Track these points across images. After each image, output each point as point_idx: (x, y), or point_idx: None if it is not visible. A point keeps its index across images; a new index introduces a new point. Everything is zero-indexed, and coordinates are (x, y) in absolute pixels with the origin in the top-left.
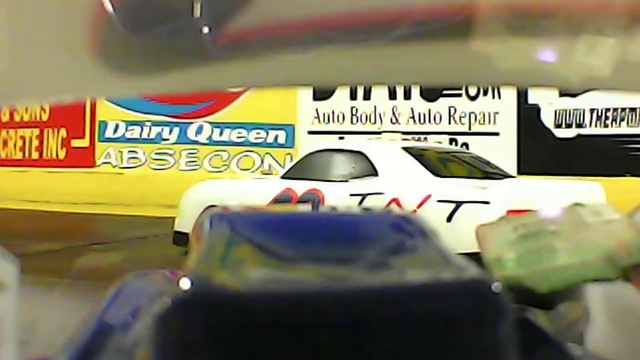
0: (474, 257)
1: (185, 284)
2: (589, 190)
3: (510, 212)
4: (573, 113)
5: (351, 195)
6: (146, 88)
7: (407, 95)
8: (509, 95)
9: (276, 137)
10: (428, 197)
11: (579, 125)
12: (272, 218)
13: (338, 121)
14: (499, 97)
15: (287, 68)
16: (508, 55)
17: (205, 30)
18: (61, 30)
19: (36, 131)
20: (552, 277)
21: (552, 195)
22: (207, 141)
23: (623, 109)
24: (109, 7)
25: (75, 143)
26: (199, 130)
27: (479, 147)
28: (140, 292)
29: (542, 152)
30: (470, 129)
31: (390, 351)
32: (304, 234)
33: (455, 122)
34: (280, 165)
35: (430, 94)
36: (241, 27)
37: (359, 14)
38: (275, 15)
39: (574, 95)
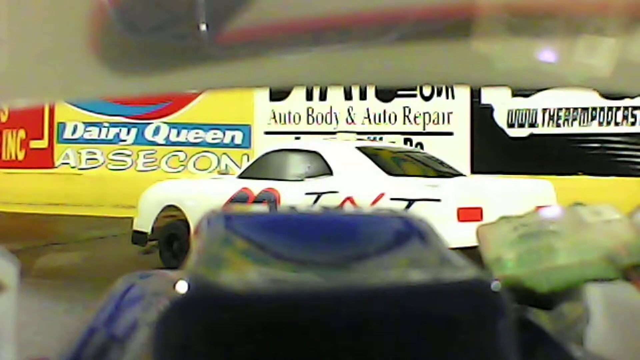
0: None
1: (184, 285)
2: (538, 188)
3: (460, 209)
4: (526, 113)
5: (306, 194)
6: (146, 88)
7: (363, 96)
8: (463, 95)
9: (233, 138)
10: (381, 195)
11: (532, 125)
12: (272, 218)
13: (294, 121)
14: (453, 98)
15: (287, 68)
16: (508, 55)
17: (205, 29)
18: (61, 30)
19: None
20: (552, 277)
21: (501, 192)
22: (164, 142)
23: (575, 109)
24: (108, 7)
25: (34, 144)
26: (157, 131)
27: (433, 146)
28: (140, 294)
29: (495, 152)
30: (424, 129)
31: (390, 351)
32: (303, 234)
33: (410, 122)
34: (237, 165)
35: (385, 95)
36: (241, 27)
37: (358, 15)
38: (275, 15)
39: (526, 96)
